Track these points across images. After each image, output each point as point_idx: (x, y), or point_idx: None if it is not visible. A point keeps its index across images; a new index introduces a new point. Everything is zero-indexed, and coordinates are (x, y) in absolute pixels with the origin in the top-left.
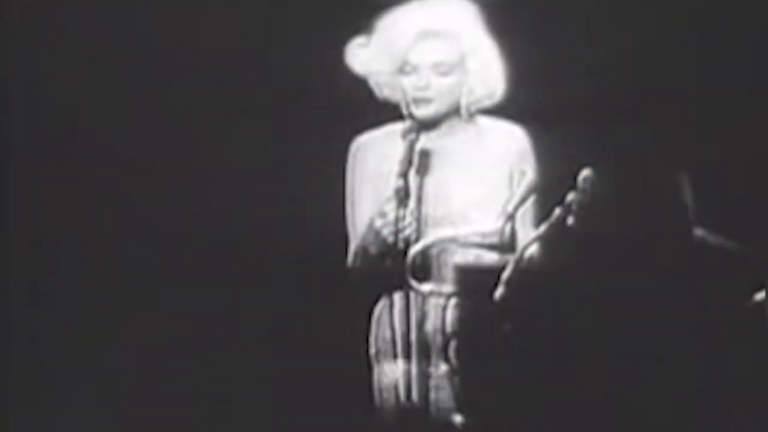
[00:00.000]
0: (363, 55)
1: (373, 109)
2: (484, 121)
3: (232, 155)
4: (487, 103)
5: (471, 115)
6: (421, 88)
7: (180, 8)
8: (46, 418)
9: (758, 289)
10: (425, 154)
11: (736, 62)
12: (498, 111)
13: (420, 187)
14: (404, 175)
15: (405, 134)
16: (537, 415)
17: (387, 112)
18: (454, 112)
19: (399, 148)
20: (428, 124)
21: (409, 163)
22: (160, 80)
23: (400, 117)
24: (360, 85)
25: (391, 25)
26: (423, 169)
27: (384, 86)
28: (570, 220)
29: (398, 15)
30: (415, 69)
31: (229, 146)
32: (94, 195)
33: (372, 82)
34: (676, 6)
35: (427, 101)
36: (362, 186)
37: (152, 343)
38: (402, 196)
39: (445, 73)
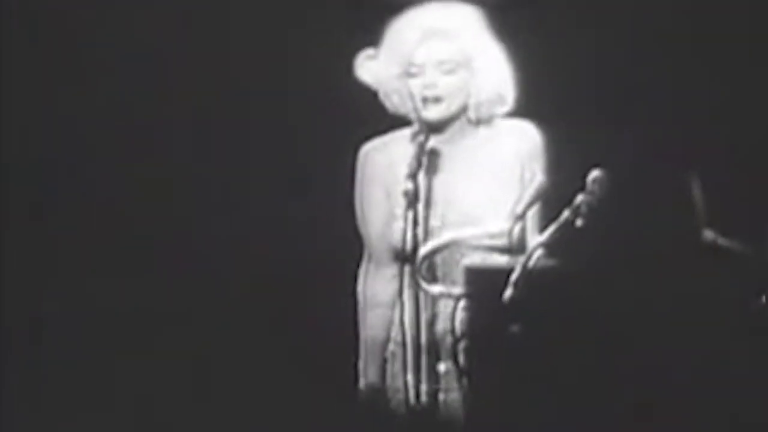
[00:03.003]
0: (371, 66)
1: (382, 118)
2: (496, 121)
3: (241, 163)
4: (499, 110)
5: (482, 121)
6: (428, 86)
7: (194, 17)
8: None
9: (767, 292)
10: (434, 156)
11: (745, 63)
12: (507, 112)
13: (429, 189)
14: (413, 177)
15: (414, 137)
16: (545, 416)
17: (397, 119)
18: (463, 113)
19: (409, 152)
20: (437, 127)
21: (419, 165)
22: (170, 88)
23: (409, 124)
24: (370, 94)
25: (395, 29)
26: (432, 171)
27: (393, 94)
28: (579, 222)
29: (403, 19)
30: (420, 69)
31: (239, 154)
32: (98, 198)
33: (381, 93)
34: (685, 6)
35: (436, 100)
36: (372, 190)
37: (154, 348)
38: (411, 198)
39: (450, 72)
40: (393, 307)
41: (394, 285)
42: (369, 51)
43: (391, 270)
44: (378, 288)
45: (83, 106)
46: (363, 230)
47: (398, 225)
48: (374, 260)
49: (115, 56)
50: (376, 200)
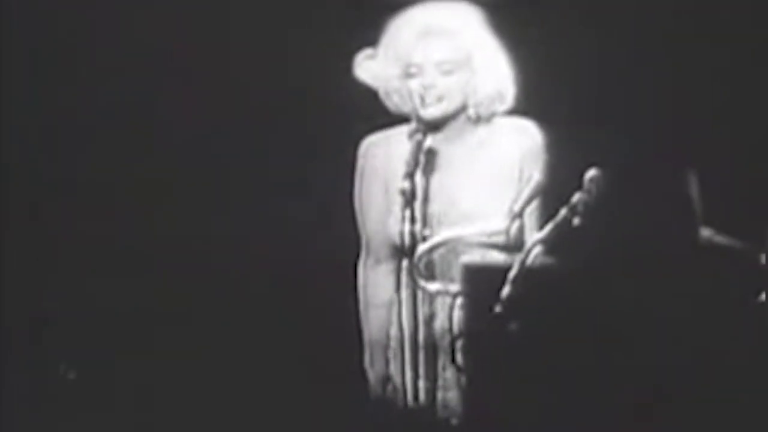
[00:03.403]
0: (371, 66)
1: (383, 116)
2: (495, 119)
3: (240, 162)
4: (499, 107)
5: (482, 120)
6: (428, 86)
7: (194, 16)
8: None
9: (764, 289)
10: (432, 155)
11: (743, 62)
12: (504, 111)
13: (427, 188)
14: (411, 175)
15: (411, 135)
16: (543, 414)
17: (398, 116)
18: (462, 112)
19: (409, 148)
20: (437, 126)
21: (416, 163)
22: (169, 87)
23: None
24: (370, 94)
25: (394, 29)
26: (430, 170)
27: (393, 93)
28: (576, 221)
29: (401, 18)
30: (420, 69)
31: (238, 153)
32: (97, 198)
33: (382, 93)
34: (684, 5)
35: (436, 99)
36: (372, 185)
37: (155, 347)
38: (408, 197)
39: (449, 72)
40: (392, 306)
41: (393, 281)
42: (368, 51)
43: (390, 265)
44: (378, 282)
45: (82, 106)
46: (361, 224)
47: (396, 222)
48: (372, 254)
49: (114, 54)
50: (375, 194)
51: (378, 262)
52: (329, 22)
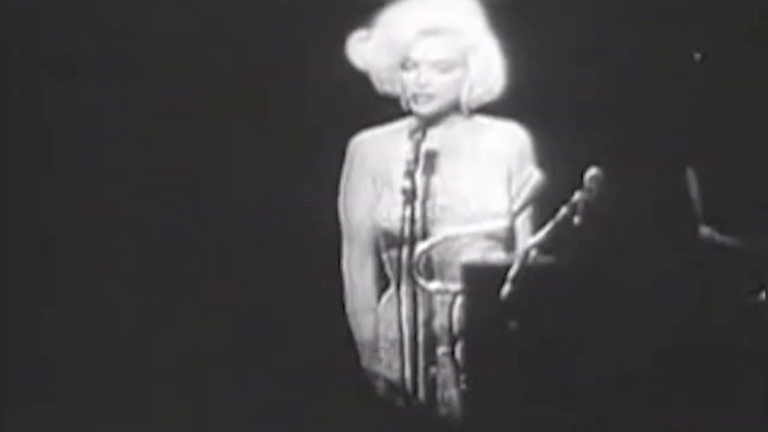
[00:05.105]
0: (364, 50)
1: (373, 105)
2: (483, 120)
3: (230, 152)
4: (486, 99)
5: (471, 110)
6: (422, 85)
7: (184, 5)
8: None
9: (763, 288)
10: (431, 154)
11: (741, 61)
12: (504, 109)
13: (426, 186)
14: (411, 174)
15: (411, 134)
16: (542, 413)
17: (388, 108)
18: (454, 108)
19: (400, 147)
20: (429, 121)
21: (416, 162)
22: (161, 77)
23: (401, 114)
24: (361, 80)
25: (393, 20)
26: (429, 169)
27: (385, 81)
28: (576, 219)
29: (400, 10)
30: (416, 65)
31: (228, 143)
32: (95, 192)
33: (374, 76)
34: (681, 5)
35: (428, 97)
36: (360, 182)
37: (152, 341)
38: (409, 195)
39: (445, 71)
40: (382, 305)
41: (380, 286)
42: (362, 33)
43: (376, 266)
44: (366, 288)
45: (77, 104)
46: (345, 221)
47: (394, 219)
48: (357, 248)
49: (113, 48)
50: (364, 192)
51: (363, 264)
52: (323, 13)
